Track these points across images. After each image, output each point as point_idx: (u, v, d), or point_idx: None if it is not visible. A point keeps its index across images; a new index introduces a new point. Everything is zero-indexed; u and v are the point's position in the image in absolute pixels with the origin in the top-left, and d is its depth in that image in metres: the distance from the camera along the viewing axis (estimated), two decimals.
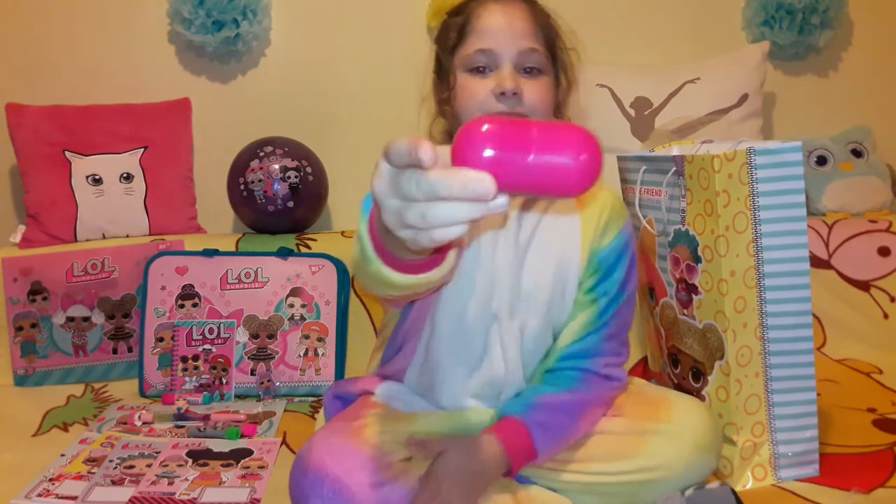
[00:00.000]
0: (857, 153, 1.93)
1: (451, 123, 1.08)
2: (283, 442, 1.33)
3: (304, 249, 1.72)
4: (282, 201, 1.73)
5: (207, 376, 1.57)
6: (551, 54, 1.04)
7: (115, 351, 1.67)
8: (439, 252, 0.69)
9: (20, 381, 1.63)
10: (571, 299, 1.08)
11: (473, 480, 0.96)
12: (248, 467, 1.22)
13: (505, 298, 1.04)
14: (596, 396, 1.08)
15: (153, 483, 1.15)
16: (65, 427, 1.41)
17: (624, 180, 1.39)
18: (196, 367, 1.57)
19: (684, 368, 1.25)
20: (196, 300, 1.62)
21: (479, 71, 1.01)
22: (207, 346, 1.58)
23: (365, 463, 0.94)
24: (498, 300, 1.04)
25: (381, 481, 0.93)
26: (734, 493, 1.03)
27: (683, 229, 1.20)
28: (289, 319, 1.62)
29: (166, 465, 1.22)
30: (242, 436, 1.35)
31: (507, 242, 1.04)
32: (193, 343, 1.58)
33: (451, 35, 1.03)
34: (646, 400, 1.11)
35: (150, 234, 1.82)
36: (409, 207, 0.53)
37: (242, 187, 1.74)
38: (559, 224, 1.08)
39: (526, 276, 1.05)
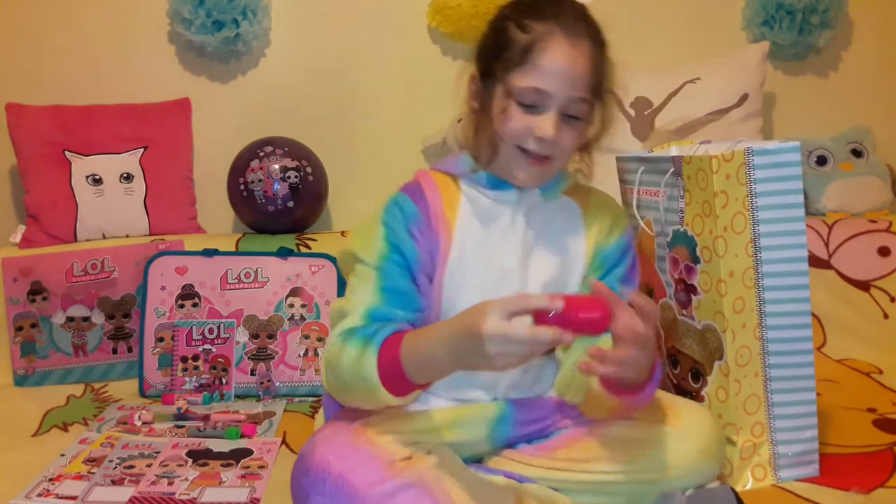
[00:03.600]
0: (857, 153, 1.93)
1: (483, 130, 1.07)
2: (283, 442, 1.33)
3: (304, 249, 1.72)
4: (282, 201, 1.73)
5: (207, 376, 1.57)
6: (598, 91, 1.04)
7: (115, 351, 1.67)
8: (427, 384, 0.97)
9: (20, 381, 1.63)
10: (575, 289, 1.10)
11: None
12: (248, 467, 1.22)
13: (513, 291, 1.04)
14: None
15: (153, 483, 1.16)
16: (65, 427, 1.41)
17: (622, 181, 1.39)
18: (196, 367, 1.57)
19: (683, 369, 1.25)
20: (196, 300, 1.62)
21: (527, 105, 1.01)
22: (207, 346, 1.58)
23: (368, 460, 0.95)
24: (507, 294, 1.04)
25: (383, 478, 0.93)
26: (734, 492, 1.03)
27: (682, 230, 1.20)
28: (289, 319, 1.62)
29: (166, 465, 1.22)
30: (242, 436, 1.35)
31: (516, 239, 1.07)
32: (193, 343, 1.58)
33: (512, 50, 1.00)
34: (654, 405, 1.11)
35: (150, 234, 1.82)
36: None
37: (242, 187, 1.74)
38: (564, 221, 1.12)
39: (532, 269, 1.08)
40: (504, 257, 1.07)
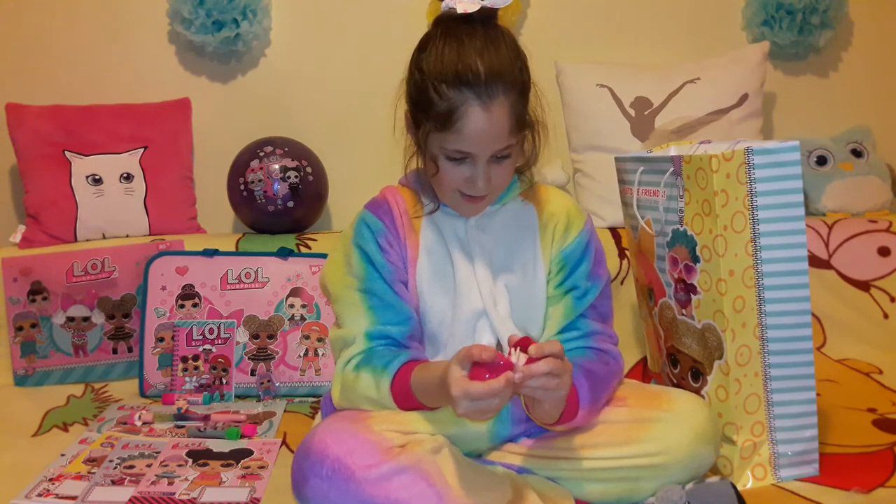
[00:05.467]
0: (857, 153, 1.93)
1: (420, 166, 1.13)
2: (283, 442, 1.33)
3: (304, 249, 1.72)
4: (282, 201, 1.73)
5: (207, 376, 1.57)
6: (522, 127, 1.07)
7: (115, 351, 1.67)
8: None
9: (20, 381, 1.63)
10: (541, 292, 1.15)
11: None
12: (248, 467, 1.22)
13: (486, 292, 1.12)
14: (604, 362, 1.12)
15: (153, 483, 1.16)
16: (65, 427, 1.41)
17: (621, 181, 1.39)
18: (196, 368, 1.57)
19: (683, 368, 1.25)
20: (196, 300, 1.62)
21: (456, 160, 1.05)
22: (207, 347, 1.58)
23: (365, 444, 0.99)
24: (479, 295, 1.12)
25: (379, 461, 0.97)
26: (734, 487, 1.03)
27: (681, 229, 1.20)
28: (289, 320, 1.62)
29: (166, 465, 1.22)
30: (242, 436, 1.35)
31: (470, 247, 1.14)
32: (193, 343, 1.58)
33: (433, 112, 1.03)
34: (648, 392, 1.14)
35: (150, 234, 1.82)
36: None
37: (242, 187, 1.74)
38: (519, 224, 1.17)
39: (494, 274, 1.13)
40: (461, 265, 1.13)
